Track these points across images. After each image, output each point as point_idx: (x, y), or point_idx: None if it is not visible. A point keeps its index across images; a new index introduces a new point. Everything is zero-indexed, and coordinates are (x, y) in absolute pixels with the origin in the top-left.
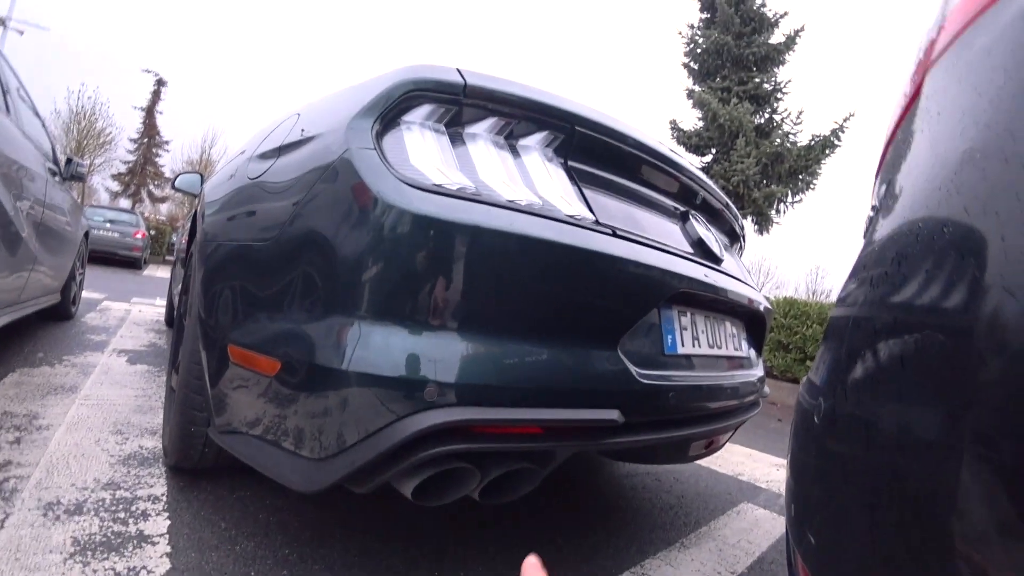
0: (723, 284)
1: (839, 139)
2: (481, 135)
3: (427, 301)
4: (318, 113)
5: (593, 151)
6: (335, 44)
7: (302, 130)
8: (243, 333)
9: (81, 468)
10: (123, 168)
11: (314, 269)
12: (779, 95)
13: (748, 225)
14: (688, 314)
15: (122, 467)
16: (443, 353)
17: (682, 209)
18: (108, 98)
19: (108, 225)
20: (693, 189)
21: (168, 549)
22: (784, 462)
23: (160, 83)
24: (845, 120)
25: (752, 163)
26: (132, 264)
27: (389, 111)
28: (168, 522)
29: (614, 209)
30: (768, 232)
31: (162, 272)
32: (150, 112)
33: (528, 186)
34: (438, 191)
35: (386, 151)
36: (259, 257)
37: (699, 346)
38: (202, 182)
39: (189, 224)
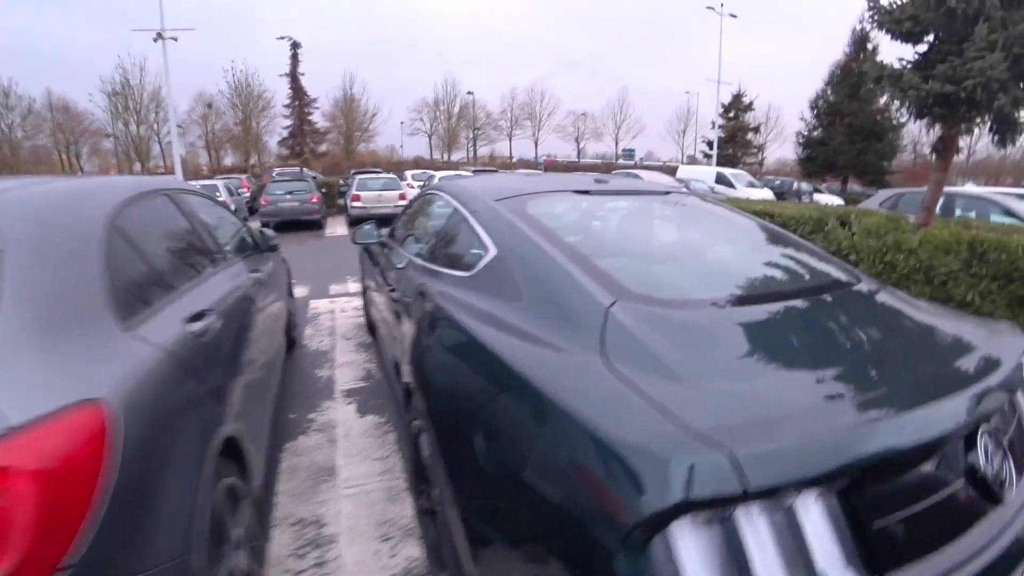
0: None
1: None
2: (756, 523)
3: None
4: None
5: (884, 489)
6: None
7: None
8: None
9: None
10: (284, 133)
11: None
12: None
13: (982, 138)
14: None
15: None
16: None
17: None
18: (256, 68)
19: (288, 196)
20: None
21: None
22: None
23: (295, 46)
24: None
25: (999, 58)
26: (314, 225)
27: (658, 526)
28: None
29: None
30: (1014, 143)
31: (340, 229)
32: (294, 76)
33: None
34: None
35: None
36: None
37: None
38: (378, 228)
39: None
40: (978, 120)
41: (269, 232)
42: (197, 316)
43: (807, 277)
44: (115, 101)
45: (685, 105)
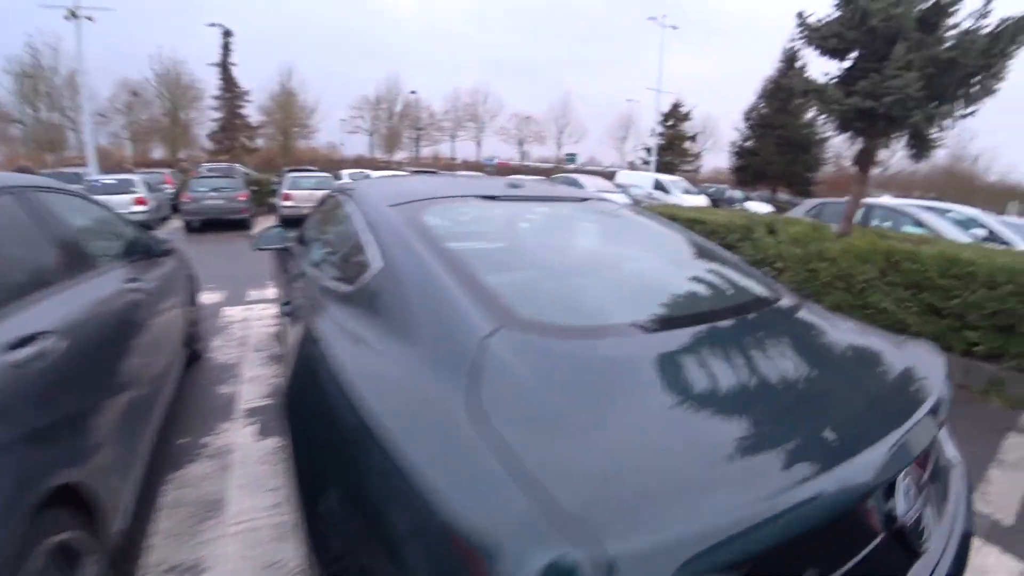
0: None
1: None
2: None
3: None
4: None
5: (795, 562)
6: None
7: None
8: None
9: None
10: (214, 126)
11: None
12: None
13: (897, 152)
14: None
15: None
16: None
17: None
18: (185, 56)
19: (213, 194)
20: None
21: None
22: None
23: (227, 34)
24: None
25: (914, 78)
26: (241, 225)
27: None
28: None
29: None
30: (927, 157)
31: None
32: (225, 67)
33: None
34: None
35: None
36: None
37: None
38: (284, 232)
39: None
40: (895, 135)
41: (162, 235)
42: (25, 341)
43: (727, 294)
44: (24, 83)
45: (626, 112)
